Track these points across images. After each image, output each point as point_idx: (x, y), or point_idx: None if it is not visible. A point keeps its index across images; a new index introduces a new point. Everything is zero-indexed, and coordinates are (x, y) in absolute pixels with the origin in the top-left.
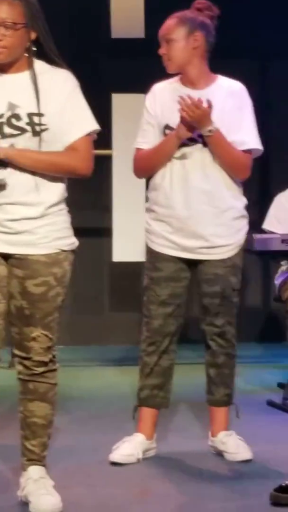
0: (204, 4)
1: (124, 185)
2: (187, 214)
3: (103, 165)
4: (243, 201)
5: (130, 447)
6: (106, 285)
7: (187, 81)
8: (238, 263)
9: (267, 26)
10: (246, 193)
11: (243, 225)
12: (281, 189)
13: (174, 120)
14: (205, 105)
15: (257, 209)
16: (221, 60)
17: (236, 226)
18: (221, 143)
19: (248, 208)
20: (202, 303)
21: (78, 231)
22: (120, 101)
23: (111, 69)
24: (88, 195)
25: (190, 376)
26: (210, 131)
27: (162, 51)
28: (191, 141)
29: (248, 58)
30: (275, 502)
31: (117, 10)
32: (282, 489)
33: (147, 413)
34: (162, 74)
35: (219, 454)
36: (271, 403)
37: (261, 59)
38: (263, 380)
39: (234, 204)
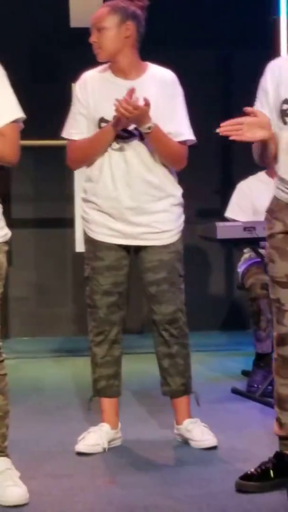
0: None
1: None
2: (130, 204)
3: (64, 156)
4: (180, 189)
5: (96, 437)
6: (69, 276)
7: (118, 71)
8: (180, 249)
9: (227, 17)
10: (210, 181)
11: (181, 212)
12: (243, 177)
13: (108, 112)
14: (141, 102)
15: (220, 198)
16: (183, 50)
17: (176, 212)
18: (159, 138)
19: (211, 196)
20: (150, 293)
21: (41, 222)
22: None
23: (71, 59)
24: (51, 186)
25: (139, 366)
26: (149, 128)
27: (92, 39)
28: (128, 133)
29: (209, 47)
30: (240, 490)
31: (76, 0)
32: (247, 477)
33: (108, 403)
34: None
35: (185, 442)
36: (235, 391)
37: (222, 48)
38: (227, 368)
39: (173, 192)
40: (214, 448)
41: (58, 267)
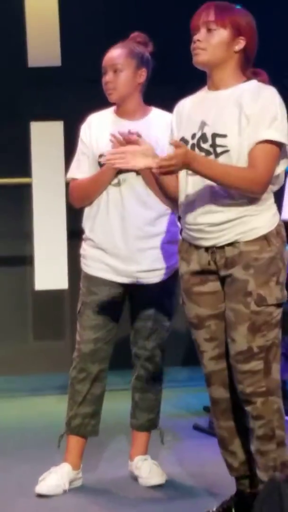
0: (144, 38)
1: (45, 213)
2: (124, 240)
3: (23, 193)
4: (177, 226)
5: (57, 478)
6: (29, 314)
7: (124, 113)
8: (171, 287)
9: (182, 55)
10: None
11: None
12: None
13: (108, 148)
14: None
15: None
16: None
17: (170, 250)
18: (153, 173)
19: None
20: (135, 327)
21: (0, 260)
22: (38, 129)
23: (29, 98)
24: (9, 224)
25: (117, 403)
26: None
27: (108, 79)
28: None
29: (166, 84)
30: None
31: (33, 39)
32: None
33: (75, 442)
34: (78, 101)
35: (136, 479)
36: (197, 427)
37: (177, 84)
38: (189, 404)
39: (168, 228)
40: (160, 485)
41: (18, 305)
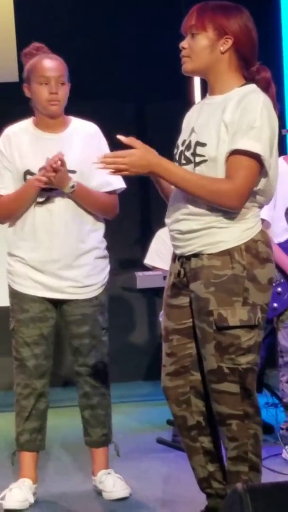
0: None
1: None
2: (53, 257)
3: None
4: (104, 242)
5: (23, 493)
6: None
7: (43, 125)
8: (104, 302)
9: (143, 72)
10: (129, 231)
11: (106, 265)
12: (161, 225)
13: (34, 165)
14: (58, 162)
15: (140, 247)
16: (101, 103)
17: (100, 265)
18: (84, 194)
19: (131, 246)
20: (73, 345)
21: None
22: None
23: None
24: None
25: (62, 419)
26: (72, 186)
27: (56, 90)
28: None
29: (125, 100)
30: None
31: None
32: None
33: (29, 457)
34: None
35: (100, 493)
36: (160, 441)
37: (137, 100)
38: (151, 418)
39: (97, 245)
40: (125, 498)
41: None
